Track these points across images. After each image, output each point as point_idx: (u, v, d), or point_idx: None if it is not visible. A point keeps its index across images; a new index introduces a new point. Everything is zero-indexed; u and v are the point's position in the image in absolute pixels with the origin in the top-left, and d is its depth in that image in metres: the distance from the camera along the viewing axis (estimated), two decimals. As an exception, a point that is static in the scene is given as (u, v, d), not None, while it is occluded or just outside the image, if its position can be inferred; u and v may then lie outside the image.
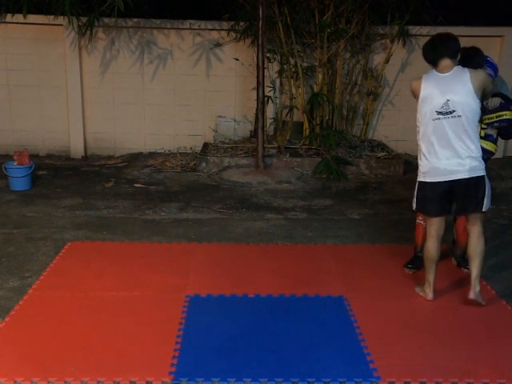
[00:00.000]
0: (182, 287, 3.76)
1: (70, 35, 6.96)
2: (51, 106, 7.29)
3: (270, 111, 7.22)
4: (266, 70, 6.53)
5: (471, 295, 3.51)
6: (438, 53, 3.42)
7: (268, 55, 6.87)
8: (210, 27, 7.15)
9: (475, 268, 3.52)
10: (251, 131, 7.35)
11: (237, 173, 6.38)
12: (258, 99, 6.32)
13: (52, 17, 6.65)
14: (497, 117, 3.71)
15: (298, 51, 7.01)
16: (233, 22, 7.03)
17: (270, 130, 7.40)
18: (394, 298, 3.71)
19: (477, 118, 3.41)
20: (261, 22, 6.10)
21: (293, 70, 7.08)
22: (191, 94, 7.31)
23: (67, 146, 7.35)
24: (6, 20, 6.92)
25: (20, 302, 3.52)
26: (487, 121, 3.74)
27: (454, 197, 3.53)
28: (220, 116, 7.38)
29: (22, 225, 4.87)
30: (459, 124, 3.35)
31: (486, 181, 3.47)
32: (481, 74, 3.40)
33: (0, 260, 4.16)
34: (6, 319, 3.32)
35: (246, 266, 4.09)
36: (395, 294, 3.78)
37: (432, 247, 3.62)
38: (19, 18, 6.82)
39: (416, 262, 4.10)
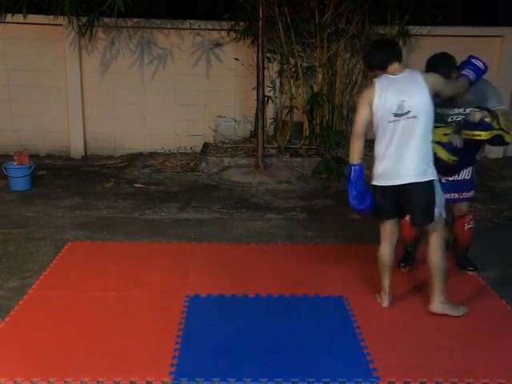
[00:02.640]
0: (181, 287, 3.76)
1: (70, 35, 6.96)
2: (51, 106, 7.28)
3: (270, 111, 7.22)
4: (266, 70, 6.53)
5: (431, 308, 3.43)
6: (387, 57, 3.37)
7: (268, 55, 6.87)
8: (210, 27, 7.14)
9: (434, 282, 3.40)
10: (251, 131, 7.35)
11: (237, 173, 6.38)
12: (258, 99, 6.32)
13: (52, 17, 6.64)
14: (472, 135, 3.49)
15: (298, 51, 7.00)
16: (233, 22, 7.02)
17: (270, 130, 7.40)
18: (394, 298, 3.70)
19: (430, 119, 3.28)
20: (261, 22, 6.10)
21: (293, 70, 7.08)
22: (191, 94, 7.30)
23: (67, 146, 7.35)
24: (6, 20, 6.91)
25: (20, 302, 3.52)
26: (464, 136, 3.51)
27: (404, 201, 3.36)
28: (220, 116, 7.38)
29: (22, 225, 4.87)
30: (414, 125, 3.23)
31: (437, 187, 3.32)
32: (432, 76, 3.35)
33: (0, 260, 4.16)
34: (6, 319, 3.32)
35: (246, 266, 4.09)
36: (395, 293, 3.77)
37: (384, 252, 3.51)
38: (19, 18, 6.81)
39: (407, 259, 4.10)
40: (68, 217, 5.11)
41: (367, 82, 7.22)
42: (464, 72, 3.62)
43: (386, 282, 3.54)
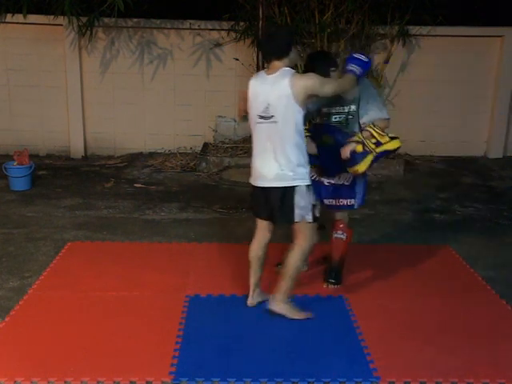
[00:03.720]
0: (182, 287, 3.76)
1: (70, 35, 6.95)
2: (51, 106, 7.28)
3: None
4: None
5: (271, 306, 3.37)
6: (265, 53, 3.28)
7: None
8: (210, 27, 7.14)
9: (283, 280, 3.35)
10: (251, 131, 7.34)
11: (237, 173, 6.38)
12: (258, 99, 6.31)
13: (52, 17, 6.64)
14: (354, 172, 3.47)
15: (298, 51, 6.99)
16: (233, 22, 7.02)
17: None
18: (394, 298, 3.70)
19: (295, 124, 3.15)
20: (261, 22, 6.10)
21: (293, 69, 7.07)
22: (191, 94, 7.30)
23: (67, 146, 7.34)
24: (6, 20, 6.90)
25: (20, 302, 3.52)
26: (351, 171, 3.50)
27: (266, 202, 3.31)
28: (220, 116, 7.37)
29: (22, 225, 4.87)
30: (276, 130, 3.15)
31: (300, 191, 3.21)
32: (303, 80, 3.14)
33: (0, 260, 4.16)
34: (6, 319, 3.32)
35: (246, 266, 4.07)
36: (395, 294, 3.78)
37: (252, 249, 3.49)
38: (19, 17, 6.80)
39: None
40: (68, 217, 5.11)
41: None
42: (349, 67, 3.41)
43: (251, 280, 3.52)
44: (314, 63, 3.50)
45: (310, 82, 3.14)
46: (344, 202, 3.71)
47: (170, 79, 7.31)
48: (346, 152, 3.41)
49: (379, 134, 3.43)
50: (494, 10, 7.41)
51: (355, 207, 3.76)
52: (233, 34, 7.12)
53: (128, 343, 3.12)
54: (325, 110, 3.64)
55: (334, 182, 3.71)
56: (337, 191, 3.70)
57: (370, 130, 3.44)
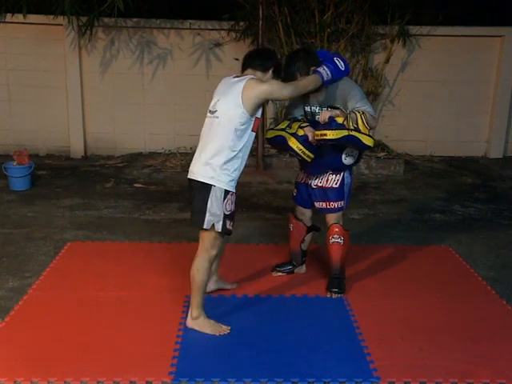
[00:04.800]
0: (181, 287, 3.75)
1: (70, 35, 6.95)
2: (51, 106, 7.28)
3: (270, 111, 7.21)
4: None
5: (186, 323, 3.28)
6: (245, 62, 3.30)
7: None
8: (210, 27, 7.14)
9: (191, 294, 3.25)
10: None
11: (237, 173, 6.37)
12: (258, 99, 6.31)
13: (52, 17, 6.64)
14: (320, 135, 3.34)
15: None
16: (233, 22, 7.02)
17: (270, 130, 7.40)
18: (394, 298, 3.71)
19: (235, 127, 3.07)
20: (261, 22, 6.10)
21: (293, 69, 7.07)
22: (191, 94, 7.30)
23: (67, 146, 7.34)
24: (6, 20, 6.91)
25: (20, 302, 3.52)
26: (315, 138, 3.38)
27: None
28: (220, 116, 7.37)
29: (22, 225, 4.87)
30: (215, 125, 3.12)
31: (213, 193, 3.10)
32: (258, 85, 3.08)
33: (0, 260, 4.16)
34: (6, 319, 3.32)
35: (246, 266, 4.09)
36: (395, 294, 3.78)
37: None
38: (19, 17, 6.82)
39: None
40: (68, 217, 5.11)
41: (367, 82, 7.24)
42: (319, 69, 3.36)
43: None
44: (294, 63, 3.41)
45: (265, 87, 3.09)
46: (334, 204, 3.66)
47: (169, 79, 7.31)
48: (325, 115, 3.36)
49: (363, 123, 3.38)
50: (494, 10, 7.42)
51: (344, 208, 3.74)
52: (233, 34, 7.12)
53: (128, 343, 3.12)
54: (307, 109, 3.60)
55: (322, 185, 3.67)
56: (326, 194, 3.67)
57: (358, 115, 3.39)
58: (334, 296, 3.68)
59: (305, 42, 7.03)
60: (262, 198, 5.80)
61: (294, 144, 3.43)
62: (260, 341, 3.17)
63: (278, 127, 3.58)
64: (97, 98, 7.31)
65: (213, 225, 3.13)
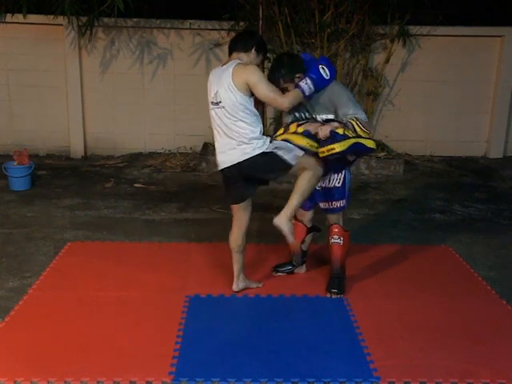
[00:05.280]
0: (181, 287, 3.76)
1: (70, 35, 6.96)
2: (51, 106, 7.28)
3: (270, 111, 7.21)
4: (266, 70, 6.52)
5: (276, 220, 3.38)
6: (229, 46, 3.45)
7: (268, 55, 6.86)
8: (210, 27, 7.14)
9: (292, 195, 3.41)
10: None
11: (237, 173, 6.38)
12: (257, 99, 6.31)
13: (52, 17, 6.64)
14: (328, 151, 3.32)
15: (298, 51, 6.99)
16: (233, 22, 7.02)
17: (270, 130, 7.39)
18: (394, 298, 3.71)
19: (241, 107, 3.26)
20: (261, 22, 6.09)
21: (293, 69, 7.07)
22: (191, 93, 7.29)
23: (67, 146, 7.34)
24: (6, 20, 6.91)
25: (20, 302, 3.52)
26: (321, 155, 3.35)
27: (231, 183, 3.49)
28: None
29: (22, 225, 4.87)
30: (225, 115, 3.31)
31: (265, 156, 3.31)
32: (244, 71, 3.25)
33: (0, 260, 4.16)
34: (6, 319, 3.32)
35: (246, 266, 4.07)
36: (395, 294, 3.78)
37: (231, 237, 3.61)
38: (19, 18, 6.82)
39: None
40: (68, 217, 5.11)
41: (367, 82, 7.24)
42: (301, 84, 3.34)
43: (234, 267, 3.64)
44: (278, 70, 3.41)
45: (248, 74, 3.23)
46: (337, 203, 3.68)
47: (169, 79, 7.31)
48: (326, 130, 3.35)
49: (360, 129, 3.41)
50: (494, 10, 7.41)
51: (346, 207, 3.76)
52: (233, 34, 7.11)
53: (128, 343, 3.11)
54: (297, 114, 3.59)
55: (325, 186, 3.69)
56: (329, 194, 3.68)
57: (353, 123, 3.40)
58: (333, 296, 3.68)
59: (305, 42, 7.04)
60: (262, 198, 5.79)
61: (301, 141, 3.39)
62: (260, 341, 3.17)
63: (277, 134, 3.57)
64: (97, 98, 7.31)
65: (295, 157, 3.32)
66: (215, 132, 3.44)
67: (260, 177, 3.48)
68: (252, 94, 3.29)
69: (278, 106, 3.38)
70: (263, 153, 3.31)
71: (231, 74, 3.24)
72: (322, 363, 2.97)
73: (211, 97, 3.37)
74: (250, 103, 3.30)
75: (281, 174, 3.51)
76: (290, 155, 3.32)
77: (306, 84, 3.34)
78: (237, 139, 3.31)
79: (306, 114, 3.58)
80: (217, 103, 3.32)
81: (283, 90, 3.39)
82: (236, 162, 3.36)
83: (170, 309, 3.49)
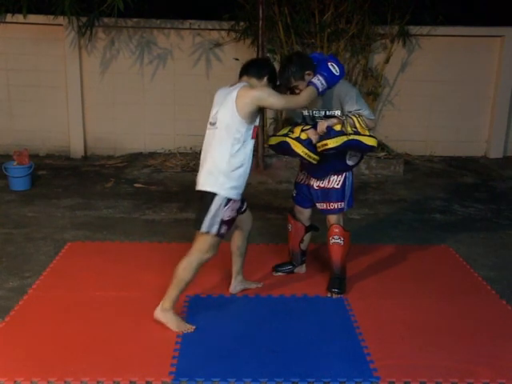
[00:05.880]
0: (181, 287, 3.76)
1: (70, 35, 6.96)
2: (51, 106, 7.28)
3: (269, 111, 7.21)
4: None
5: (154, 313, 3.27)
6: (242, 70, 3.35)
7: (268, 55, 6.87)
8: (210, 27, 7.14)
9: (169, 287, 3.27)
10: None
11: (237, 173, 6.38)
12: (257, 99, 6.31)
13: (52, 17, 6.64)
14: (322, 146, 3.37)
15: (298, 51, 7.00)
16: (233, 22, 7.02)
17: (270, 129, 7.40)
18: (394, 298, 3.71)
19: (234, 135, 3.13)
20: (261, 22, 6.10)
21: (293, 69, 7.07)
22: (191, 93, 7.30)
23: (67, 146, 7.34)
24: (6, 20, 6.91)
25: (20, 302, 3.52)
26: (318, 149, 3.41)
27: None
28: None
29: (22, 225, 4.87)
30: (215, 135, 3.19)
31: (216, 204, 3.17)
32: (249, 92, 3.14)
33: (0, 260, 4.16)
34: (6, 319, 3.32)
35: (246, 266, 4.08)
36: (395, 293, 3.78)
37: (232, 239, 3.58)
38: (19, 18, 6.82)
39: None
40: (68, 217, 5.11)
41: (367, 82, 7.24)
42: (313, 80, 3.35)
43: (232, 268, 3.64)
44: (288, 69, 3.40)
45: (256, 94, 3.15)
46: (334, 205, 3.66)
47: (169, 79, 7.31)
48: (323, 126, 3.39)
49: (361, 126, 3.42)
50: (494, 10, 7.41)
51: (345, 210, 3.74)
52: (233, 34, 7.12)
53: (128, 343, 3.11)
54: (305, 113, 3.59)
55: (324, 186, 3.68)
56: (327, 195, 3.67)
57: (355, 119, 3.42)
58: (334, 296, 3.68)
59: (305, 41, 7.04)
60: (262, 198, 5.80)
61: (299, 148, 3.46)
62: (260, 341, 3.17)
63: (279, 133, 3.59)
64: (97, 98, 7.31)
65: (208, 228, 3.19)
66: (202, 151, 3.31)
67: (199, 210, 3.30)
68: (252, 122, 3.18)
69: (297, 105, 3.35)
70: (213, 195, 3.17)
71: (236, 96, 3.14)
72: (322, 363, 2.97)
73: (210, 116, 3.28)
74: (246, 134, 3.17)
75: (195, 224, 3.27)
76: (209, 222, 3.18)
77: (319, 80, 3.36)
78: (208, 165, 3.20)
79: (316, 113, 3.56)
80: (213, 124, 3.23)
81: (294, 89, 3.40)
82: (198, 189, 3.27)
83: (170, 309, 3.48)
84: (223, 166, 3.16)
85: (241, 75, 3.34)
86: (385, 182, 6.49)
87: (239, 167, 3.20)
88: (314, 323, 3.37)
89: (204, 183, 3.23)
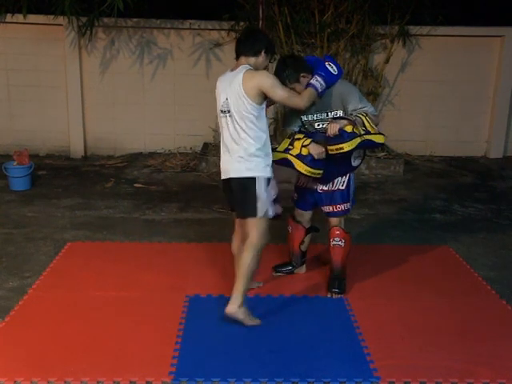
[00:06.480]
0: (181, 287, 3.76)
1: (70, 35, 6.96)
2: (51, 106, 7.28)
3: (269, 111, 7.20)
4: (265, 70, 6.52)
5: (228, 309, 3.24)
6: (237, 49, 3.29)
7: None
8: (210, 27, 7.14)
9: (236, 280, 3.26)
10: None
11: (237, 173, 6.37)
12: (257, 99, 6.31)
13: (52, 17, 6.64)
14: (336, 150, 3.33)
15: (298, 51, 6.99)
16: (233, 22, 7.02)
17: (270, 130, 7.40)
18: (394, 298, 3.71)
19: (250, 117, 3.15)
20: (261, 22, 6.10)
21: (293, 69, 7.07)
22: (191, 94, 7.30)
23: (67, 146, 7.34)
24: (6, 20, 6.91)
25: (20, 302, 3.52)
26: (330, 152, 3.37)
27: (231, 195, 3.33)
28: (220, 116, 7.37)
29: (22, 225, 4.87)
30: (234, 123, 3.19)
31: (260, 184, 3.19)
32: (255, 76, 3.14)
33: (0, 260, 4.16)
34: (6, 319, 3.32)
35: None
36: (395, 294, 3.78)
37: (233, 243, 3.53)
38: (19, 18, 6.82)
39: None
40: (68, 217, 5.11)
41: (367, 82, 7.24)
42: (312, 81, 3.36)
43: (236, 270, 3.49)
44: (283, 72, 3.40)
45: (261, 80, 3.13)
46: (340, 207, 3.67)
47: (169, 79, 7.30)
48: (334, 127, 3.33)
49: (370, 124, 3.42)
50: (494, 10, 7.41)
51: (350, 211, 3.76)
52: (233, 34, 7.11)
53: (128, 343, 3.12)
54: (304, 118, 3.59)
55: (328, 189, 3.67)
56: (332, 197, 3.67)
57: (363, 118, 3.41)
58: (334, 296, 3.68)
59: (305, 41, 7.03)
60: (262, 198, 5.79)
61: (302, 167, 3.43)
62: (260, 341, 3.17)
63: (280, 148, 3.54)
64: (97, 98, 7.31)
65: (265, 212, 3.24)
66: (221, 138, 3.31)
67: (237, 201, 3.31)
68: (263, 103, 3.20)
69: (296, 105, 3.32)
70: (252, 178, 3.19)
71: (242, 81, 3.12)
72: (322, 363, 2.97)
73: (220, 105, 3.26)
74: (259, 114, 3.19)
75: (242, 214, 3.31)
76: (262, 206, 3.21)
77: (317, 81, 3.36)
78: (237, 152, 3.20)
79: (315, 116, 3.55)
80: (225, 111, 3.22)
81: None
82: (229, 177, 3.27)
83: (170, 309, 3.49)
84: (251, 148, 3.18)
85: (237, 55, 3.28)
86: (385, 182, 6.49)
87: (264, 146, 3.22)
88: (314, 323, 3.37)
89: (238, 170, 3.21)
